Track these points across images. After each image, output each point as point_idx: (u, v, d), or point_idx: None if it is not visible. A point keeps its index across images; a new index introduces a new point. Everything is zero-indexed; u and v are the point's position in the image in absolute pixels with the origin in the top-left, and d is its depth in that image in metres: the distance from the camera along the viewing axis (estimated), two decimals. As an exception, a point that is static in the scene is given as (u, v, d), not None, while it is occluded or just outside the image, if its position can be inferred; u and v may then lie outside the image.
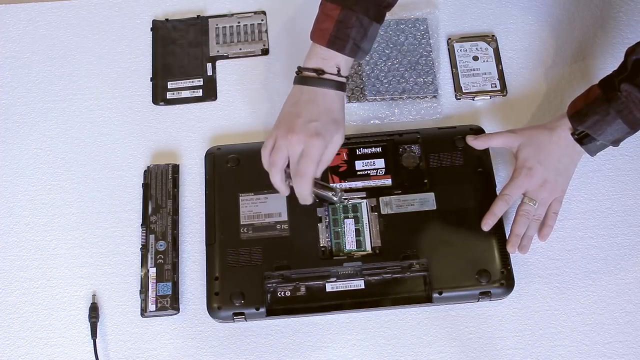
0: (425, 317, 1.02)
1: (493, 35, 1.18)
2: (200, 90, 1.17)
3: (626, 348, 1.00)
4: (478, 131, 1.09)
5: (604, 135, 0.98)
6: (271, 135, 0.96)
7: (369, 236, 1.03)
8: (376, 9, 0.96)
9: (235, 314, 1.00)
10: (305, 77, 0.96)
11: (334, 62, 0.96)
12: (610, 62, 1.15)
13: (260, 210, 1.05)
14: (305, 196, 0.96)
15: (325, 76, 0.96)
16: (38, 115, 1.16)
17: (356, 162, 1.08)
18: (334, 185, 1.04)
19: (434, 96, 1.14)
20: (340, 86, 0.96)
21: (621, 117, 0.96)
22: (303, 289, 1.01)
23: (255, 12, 1.22)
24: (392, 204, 1.05)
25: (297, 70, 0.97)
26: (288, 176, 0.97)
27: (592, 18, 1.19)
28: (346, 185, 1.06)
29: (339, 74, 0.96)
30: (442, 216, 1.04)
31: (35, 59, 1.20)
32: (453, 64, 1.17)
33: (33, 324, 1.04)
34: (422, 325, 1.02)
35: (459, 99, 1.15)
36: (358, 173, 1.07)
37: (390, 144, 1.09)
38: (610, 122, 0.96)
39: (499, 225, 1.03)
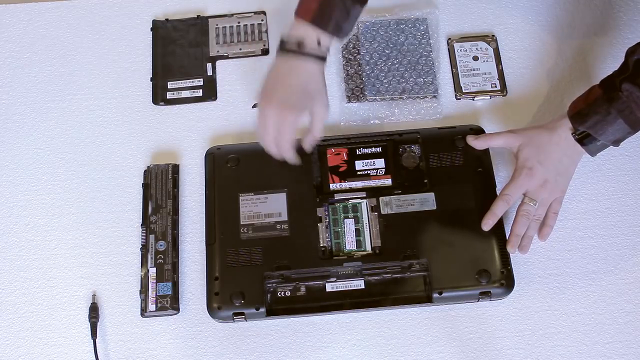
0: (425, 317, 1.02)
1: (493, 35, 1.18)
2: (200, 90, 1.17)
3: (626, 348, 1.00)
4: (478, 131, 1.09)
5: (605, 136, 0.98)
6: (258, 106, 1.00)
7: (369, 236, 1.03)
8: None
9: (235, 314, 1.00)
10: (287, 50, 0.98)
11: (316, 34, 0.97)
12: (610, 62, 1.15)
13: (260, 210, 1.05)
14: (290, 159, 1.01)
15: (306, 50, 0.97)
16: (38, 115, 1.16)
17: (356, 162, 1.08)
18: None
19: (434, 96, 1.14)
20: (320, 59, 0.98)
21: (622, 117, 0.96)
22: (303, 289, 1.01)
23: (255, 12, 1.22)
24: (392, 204, 1.05)
25: (280, 41, 0.99)
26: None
27: (592, 18, 1.19)
28: (346, 185, 1.06)
29: (319, 47, 0.98)
30: (442, 216, 1.04)
31: (35, 59, 1.20)
32: (453, 64, 1.17)
33: (33, 324, 1.04)
34: (422, 325, 1.02)
35: (459, 99, 1.15)
36: (358, 173, 1.07)
37: (390, 144, 1.09)
38: (612, 122, 0.97)
39: (499, 225, 1.03)
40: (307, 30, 0.97)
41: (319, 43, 0.97)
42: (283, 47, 0.98)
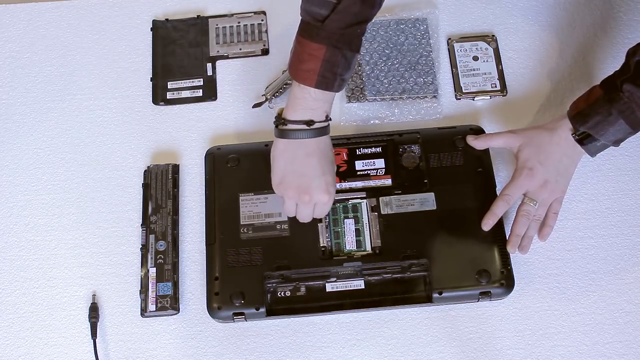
0: (425, 317, 1.02)
1: (493, 35, 1.18)
2: (200, 90, 1.17)
3: (626, 348, 1.00)
4: (478, 131, 1.09)
5: (605, 136, 0.98)
6: (285, 196, 0.99)
7: (369, 236, 1.03)
8: (357, 40, 0.93)
9: (235, 314, 1.00)
10: (294, 130, 0.95)
11: (323, 109, 0.94)
12: (610, 62, 1.15)
13: (260, 210, 1.05)
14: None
15: (316, 125, 0.95)
16: (38, 115, 1.16)
17: (356, 162, 1.08)
18: None
19: (434, 96, 1.14)
20: (328, 130, 0.97)
21: (623, 118, 0.96)
22: (303, 289, 1.01)
23: (255, 12, 1.22)
24: (392, 204, 1.05)
25: (281, 121, 0.95)
26: None
27: (592, 18, 1.19)
28: (346, 185, 1.06)
29: (326, 119, 0.96)
30: (442, 216, 1.04)
31: (35, 59, 1.20)
32: (453, 64, 1.17)
33: (33, 324, 1.04)
34: (422, 325, 1.02)
35: (459, 99, 1.15)
36: (358, 173, 1.07)
37: (390, 144, 1.09)
38: (613, 122, 0.97)
39: (499, 225, 1.03)
40: (311, 100, 0.93)
41: (326, 116, 0.95)
42: (288, 129, 0.95)
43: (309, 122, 0.94)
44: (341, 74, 0.93)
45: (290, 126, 0.95)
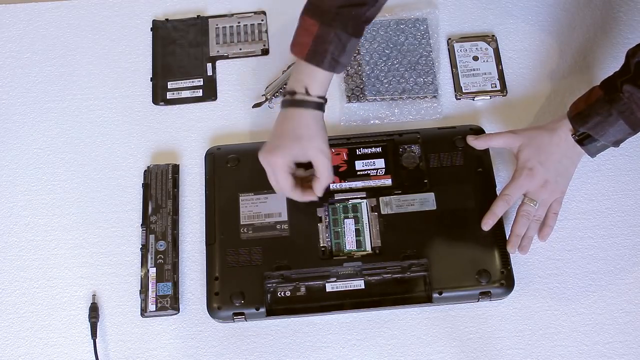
0: (425, 317, 1.02)
1: (493, 35, 1.18)
2: (200, 90, 1.17)
3: (626, 348, 1.00)
4: (478, 131, 1.09)
5: (605, 136, 0.98)
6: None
7: (369, 236, 1.03)
8: (354, 24, 0.96)
9: (235, 314, 1.00)
10: (285, 101, 0.99)
11: (303, 83, 0.97)
12: (610, 62, 1.15)
13: (260, 210, 1.05)
14: (297, 199, 1.01)
15: (296, 97, 0.97)
16: (38, 115, 1.16)
17: (356, 162, 1.08)
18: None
19: (434, 96, 1.15)
20: (314, 105, 0.98)
21: (623, 118, 0.96)
22: (303, 289, 1.01)
23: (255, 12, 1.22)
24: (392, 204, 1.05)
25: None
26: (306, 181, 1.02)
27: (592, 18, 1.19)
28: (346, 185, 1.06)
29: (307, 94, 0.97)
30: (442, 216, 1.04)
31: (35, 59, 1.20)
32: (453, 64, 1.17)
33: (33, 324, 1.04)
34: (422, 325, 1.02)
35: (459, 99, 1.15)
36: (358, 173, 1.07)
37: (390, 144, 1.09)
38: (612, 123, 0.97)
39: (499, 225, 1.03)
40: (301, 72, 0.97)
41: (306, 91, 0.97)
42: (282, 101, 0.99)
43: (291, 93, 0.98)
44: (333, 53, 0.95)
45: (284, 98, 1.00)
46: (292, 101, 0.98)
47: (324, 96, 0.99)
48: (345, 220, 1.04)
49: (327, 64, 0.96)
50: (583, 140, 1.00)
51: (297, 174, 1.01)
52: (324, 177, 0.99)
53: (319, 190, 1.00)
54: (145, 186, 1.09)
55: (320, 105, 0.98)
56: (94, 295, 1.04)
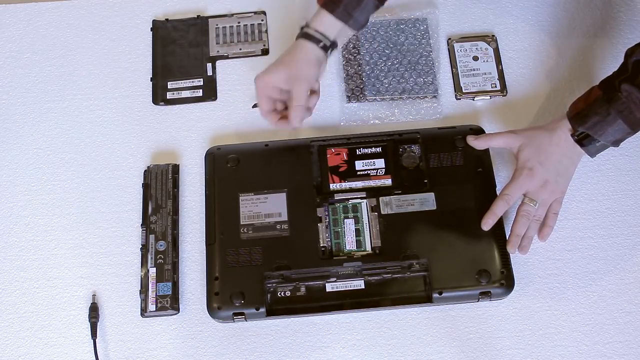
0: (425, 317, 1.02)
1: (493, 35, 1.18)
2: (200, 90, 1.17)
3: (626, 348, 1.00)
4: (478, 131, 1.09)
5: (604, 136, 0.98)
6: None
7: (369, 236, 1.03)
8: None
9: (235, 314, 1.00)
10: (298, 34, 1.05)
11: (318, 21, 1.03)
12: (610, 62, 1.15)
13: (260, 210, 1.05)
14: (272, 124, 1.07)
15: (305, 29, 1.03)
16: (38, 115, 1.16)
17: (356, 162, 1.08)
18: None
19: (434, 96, 1.14)
20: (313, 39, 1.03)
21: (622, 118, 0.96)
22: (303, 289, 1.01)
23: (255, 12, 1.22)
24: (392, 204, 1.05)
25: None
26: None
27: (592, 18, 1.19)
28: (346, 185, 1.06)
29: (316, 31, 1.03)
30: (442, 216, 1.03)
31: (35, 59, 1.20)
32: (453, 64, 1.17)
33: (33, 324, 1.04)
34: (422, 325, 1.02)
35: (459, 99, 1.15)
36: (358, 173, 1.07)
37: (390, 144, 1.09)
38: (611, 122, 0.97)
39: (499, 225, 1.03)
40: (317, 15, 1.03)
41: (316, 29, 1.02)
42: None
43: (304, 26, 1.04)
44: (347, 5, 1.02)
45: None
46: (301, 32, 1.04)
47: (333, 40, 1.03)
48: (345, 220, 1.04)
49: (339, 13, 1.02)
50: (582, 140, 1.00)
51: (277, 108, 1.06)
52: (297, 102, 1.03)
53: (292, 117, 1.04)
54: (145, 186, 1.09)
55: (324, 46, 1.03)
56: (94, 295, 1.04)
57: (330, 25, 1.03)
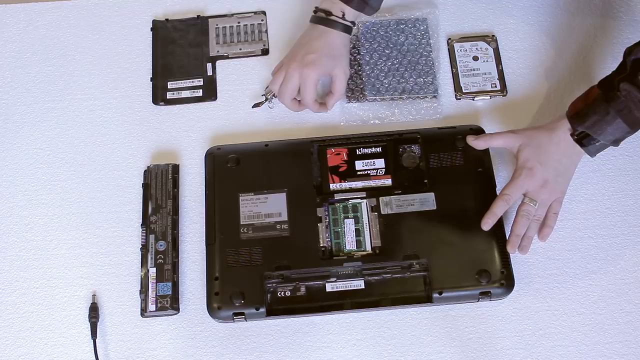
0: (425, 317, 1.02)
1: (493, 35, 1.18)
2: (200, 90, 1.17)
3: (626, 348, 1.00)
4: (478, 131, 1.09)
5: (604, 135, 0.98)
6: (280, 63, 1.11)
7: (369, 236, 1.03)
8: None
9: (235, 314, 1.00)
10: (318, 17, 1.09)
11: (340, 7, 1.08)
12: (610, 62, 1.15)
13: (260, 210, 1.05)
14: (315, 111, 1.12)
15: (332, 17, 1.08)
16: (38, 115, 1.16)
17: (356, 162, 1.08)
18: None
19: (434, 96, 1.14)
20: (345, 28, 1.09)
21: (621, 117, 0.96)
22: (303, 289, 1.01)
23: (255, 12, 1.22)
24: (392, 204, 1.05)
25: (314, 9, 1.10)
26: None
27: (592, 18, 1.19)
28: (346, 185, 1.06)
29: (343, 18, 1.08)
30: (442, 216, 1.04)
31: (35, 59, 1.20)
32: (453, 64, 1.17)
33: (33, 324, 1.04)
34: (422, 325, 1.02)
35: (459, 99, 1.15)
36: (358, 173, 1.07)
37: (390, 144, 1.09)
38: (610, 121, 0.97)
39: (499, 225, 1.03)
40: (334, 3, 1.08)
41: (343, 16, 1.08)
42: (314, 16, 1.10)
43: (327, 12, 1.08)
44: None
45: (316, 13, 1.10)
46: (327, 20, 1.08)
47: (354, 20, 1.10)
48: (345, 220, 1.04)
49: (355, 2, 1.08)
50: (582, 139, 1.00)
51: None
52: (338, 93, 1.10)
53: (330, 104, 1.11)
54: (145, 186, 1.09)
55: (349, 29, 1.09)
56: (94, 295, 1.04)
57: (348, 14, 1.08)
